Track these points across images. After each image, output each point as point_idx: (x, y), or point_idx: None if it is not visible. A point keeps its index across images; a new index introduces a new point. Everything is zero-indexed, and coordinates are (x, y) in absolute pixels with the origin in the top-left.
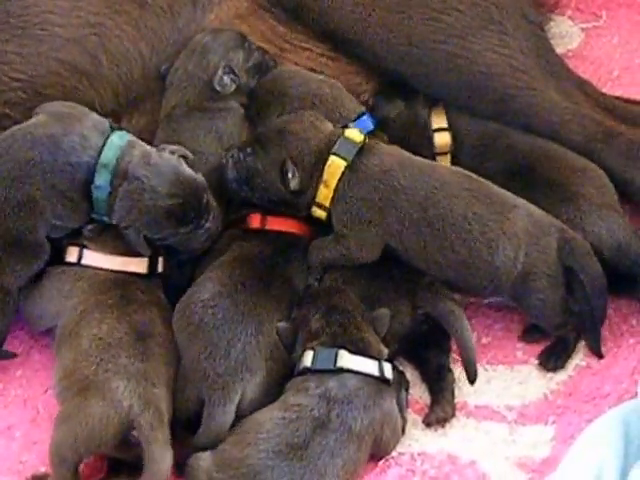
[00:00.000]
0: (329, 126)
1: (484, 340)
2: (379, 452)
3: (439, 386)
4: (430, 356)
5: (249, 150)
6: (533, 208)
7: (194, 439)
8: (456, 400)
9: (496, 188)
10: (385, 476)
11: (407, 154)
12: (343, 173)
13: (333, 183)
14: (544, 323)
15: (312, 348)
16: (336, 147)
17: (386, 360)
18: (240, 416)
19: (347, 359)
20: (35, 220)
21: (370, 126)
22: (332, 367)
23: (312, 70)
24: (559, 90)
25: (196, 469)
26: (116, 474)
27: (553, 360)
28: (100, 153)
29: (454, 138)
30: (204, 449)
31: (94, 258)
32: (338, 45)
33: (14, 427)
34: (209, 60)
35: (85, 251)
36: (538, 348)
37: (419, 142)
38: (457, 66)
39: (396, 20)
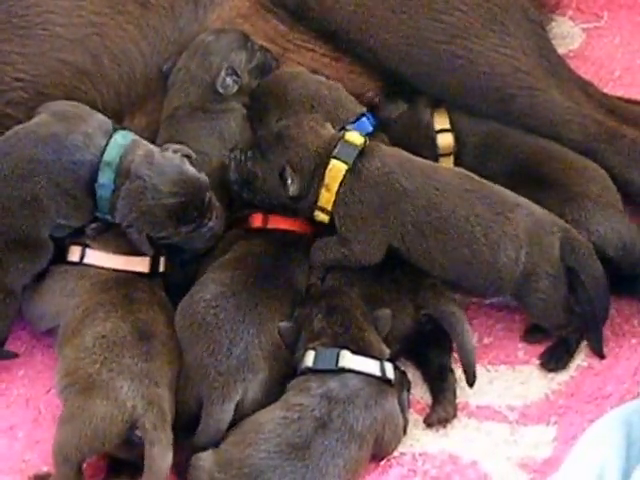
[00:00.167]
0: (329, 129)
1: (486, 340)
2: (380, 452)
3: (441, 386)
4: (432, 356)
5: (250, 154)
6: (535, 207)
7: (194, 438)
8: (457, 400)
9: (497, 188)
10: (386, 476)
11: (408, 155)
12: (344, 177)
13: (335, 187)
14: (546, 323)
15: (314, 348)
16: (336, 151)
17: (388, 360)
18: (242, 416)
19: (349, 359)
20: (39, 219)
21: (369, 128)
22: (334, 367)
23: (315, 70)
24: (561, 90)
25: (198, 469)
26: (117, 474)
27: (555, 360)
28: (104, 152)
29: (457, 139)
30: (203, 448)
31: (96, 257)
32: (340, 45)
33: (16, 427)
34: (211, 61)
35: (87, 250)
36: (540, 348)
37: (422, 143)
38: (459, 66)
39: (398, 20)
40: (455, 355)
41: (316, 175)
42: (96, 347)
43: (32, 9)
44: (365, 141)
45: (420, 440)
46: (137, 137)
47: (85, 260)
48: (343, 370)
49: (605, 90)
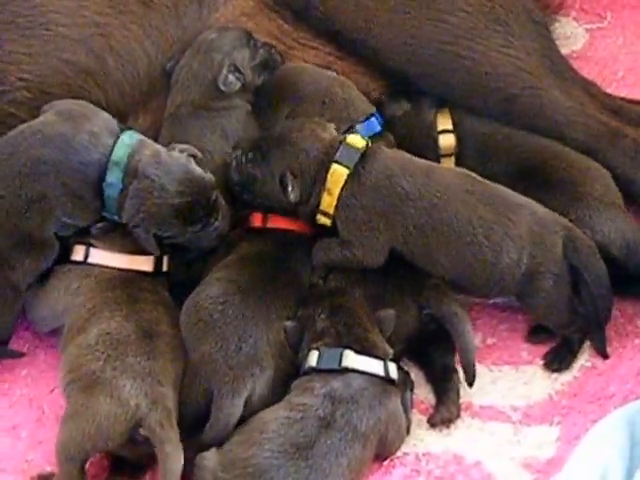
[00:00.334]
0: (331, 131)
1: (489, 341)
2: (384, 452)
3: (444, 386)
4: (435, 356)
5: (250, 156)
6: (537, 206)
7: (202, 434)
8: (461, 400)
9: (499, 188)
10: (390, 476)
11: (410, 157)
12: (346, 181)
13: (336, 191)
14: (549, 322)
15: (317, 348)
16: (338, 155)
17: (391, 360)
18: (250, 412)
19: (352, 359)
20: (45, 218)
21: (377, 127)
22: (337, 367)
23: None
24: (564, 91)
25: (201, 468)
26: (119, 473)
27: (558, 361)
28: (111, 152)
29: (459, 139)
30: (209, 445)
31: (101, 256)
32: (344, 45)
33: (20, 426)
34: (214, 59)
35: (91, 249)
36: (543, 349)
37: (424, 143)
38: (462, 66)
39: (401, 20)
40: (458, 355)
41: (317, 180)
42: (99, 344)
43: (36, 9)
44: (367, 144)
45: (424, 440)
46: (143, 137)
47: (89, 259)
48: (347, 370)
49: (608, 90)
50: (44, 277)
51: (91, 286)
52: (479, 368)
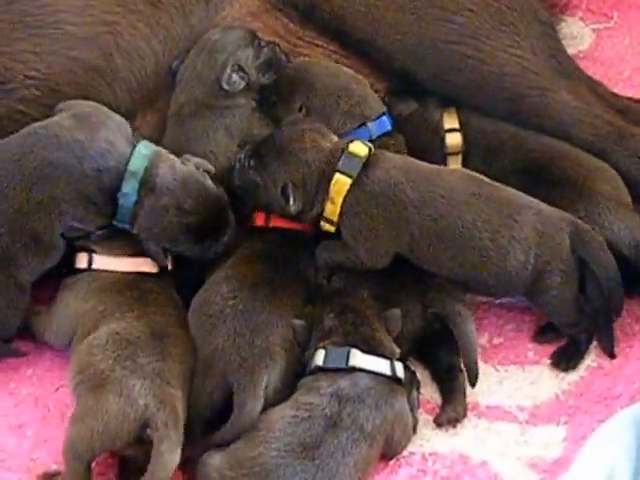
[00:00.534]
0: (332, 138)
1: (495, 340)
2: (390, 451)
3: (450, 386)
4: (441, 356)
5: (252, 162)
6: (542, 205)
7: (223, 429)
8: (467, 400)
9: (504, 189)
10: (396, 476)
11: (413, 162)
12: (349, 190)
13: (339, 200)
14: (559, 320)
15: (324, 347)
16: (340, 164)
17: (398, 360)
18: (266, 406)
19: (359, 358)
20: (54, 220)
21: (388, 126)
22: (344, 366)
23: None
24: (570, 90)
25: (207, 467)
26: (125, 473)
27: (565, 361)
28: (128, 161)
29: (466, 139)
30: (233, 438)
31: (104, 262)
32: (350, 45)
33: (25, 425)
34: (217, 59)
35: (94, 256)
36: (550, 348)
37: (430, 142)
38: (469, 66)
39: (408, 20)
40: None
41: (320, 189)
42: (109, 344)
43: (45, 8)
44: (370, 150)
45: (430, 440)
46: (157, 147)
47: (93, 266)
48: (353, 369)
49: (615, 90)
50: (52, 299)
51: (100, 290)
52: (485, 368)
